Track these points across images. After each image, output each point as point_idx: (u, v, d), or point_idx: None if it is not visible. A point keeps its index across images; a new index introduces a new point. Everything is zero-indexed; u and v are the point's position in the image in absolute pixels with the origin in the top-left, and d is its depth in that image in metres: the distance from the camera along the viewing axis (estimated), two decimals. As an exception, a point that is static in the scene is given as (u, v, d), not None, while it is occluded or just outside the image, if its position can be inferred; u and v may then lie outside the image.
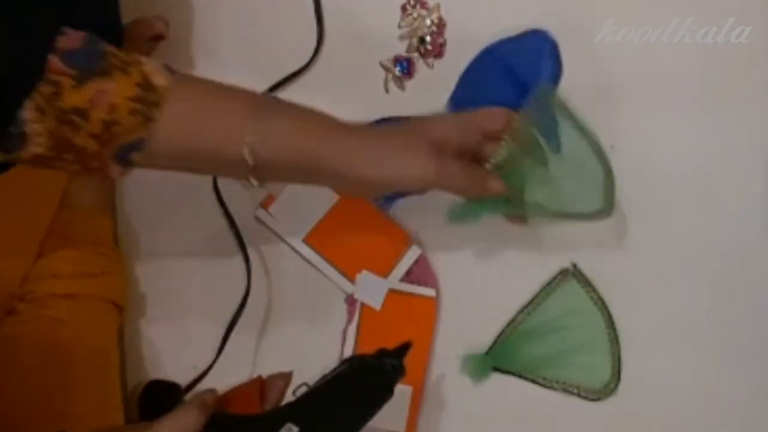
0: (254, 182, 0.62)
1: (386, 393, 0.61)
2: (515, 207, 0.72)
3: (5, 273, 0.73)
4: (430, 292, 0.78)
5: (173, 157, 0.60)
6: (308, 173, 0.64)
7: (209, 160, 0.61)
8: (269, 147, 0.60)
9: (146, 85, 0.56)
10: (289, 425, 0.56)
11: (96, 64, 0.55)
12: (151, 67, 0.57)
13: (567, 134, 0.75)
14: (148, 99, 0.56)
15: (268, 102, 0.62)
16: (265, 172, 0.61)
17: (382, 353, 0.64)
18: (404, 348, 0.64)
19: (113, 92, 0.55)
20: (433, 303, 0.78)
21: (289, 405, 0.58)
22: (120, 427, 0.59)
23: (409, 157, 0.64)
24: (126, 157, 0.57)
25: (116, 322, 0.80)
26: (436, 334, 0.78)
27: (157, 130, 0.57)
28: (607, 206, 0.73)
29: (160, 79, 0.57)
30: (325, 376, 0.61)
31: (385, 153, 0.64)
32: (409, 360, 0.65)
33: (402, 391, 0.76)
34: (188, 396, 0.73)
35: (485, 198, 0.69)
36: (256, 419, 0.57)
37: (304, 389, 0.60)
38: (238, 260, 0.81)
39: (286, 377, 0.60)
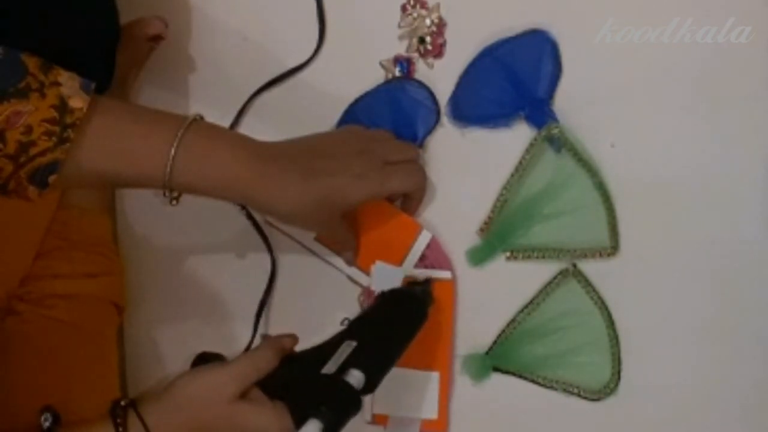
0: (172, 202, 0.64)
1: (422, 314, 0.70)
2: (523, 244, 0.77)
3: (5, 273, 0.73)
4: (446, 274, 0.78)
5: (90, 178, 0.60)
6: (228, 198, 0.66)
7: (125, 181, 0.62)
8: (185, 172, 0.61)
9: (63, 108, 0.56)
10: (347, 341, 0.63)
11: (13, 84, 0.55)
12: (70, 88, 0.57)
13: (570, 169, 0.76)
14: (64, 121, 0.56)
15: (189, 127, 0.62)
16: (182, 191, 0.63)
17: (410, 283, 0.75)
18: (428, 280, 0.75)
19: (29, 113, 0.55)
20: (451, 285, 0.78)
21: (341, 332, 0.66)
22: (199, 368, 0.62)
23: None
24: (42, 179, 0.57)
25: (116, 322, 0.80)
26: (456, 316, 0.78)
27: (74, 152, 0.57)
28: (613, 243, 0.76)
29: (77, 102, 0.57)
30: (364, 309, 0.71)
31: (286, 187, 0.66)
32: (432, 345, 0.76)
33: (430, 377, 0.77)
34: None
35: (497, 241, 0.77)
36: (317, 348, 0.65)
37: (347, 322, 0.69)
38: (245, 259, 0.82)
39: (293, 337, 0.67)
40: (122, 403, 0.60)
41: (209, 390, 0.60)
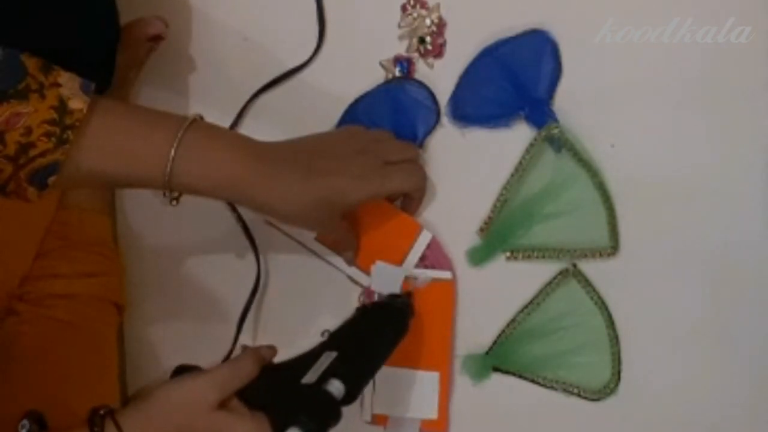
0: (172, 202, 0.63)
1: (402, 326, 0.70)
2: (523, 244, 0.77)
3: (5, 273, 0.73)
4: (446, 274, 0.78)
5: (90, 179, 0.60)
6: (228, 198, 0.66)
7: (125, 182, 0.62)
8: (185, 173, 0.61)
9: (62, 109, 0.56)
10: (327, 352, 0.63)
11: (12, 85, 0.55)
12: (69, 89, 0.57)
13: (570, 169, 0.76)
14: (64, 122, 0.56)
15: (189, 127, 0.62)
16: (182, 192, 0.63)
17: (391, 296, 0.75)
18: (409, 293, 0.75)
19: (29, 115, 0.55)
20: (451, 285, 0.78)
21: (322, 343, 0.66)
22: (178, 377, 0.62)
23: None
24: (42, 180, 0.57)
25: (116, 322, 0.80)
26: (456, 316, 0.78)
27: (73, 153, 0.57)
28: (613, 243, 0.76)
29: (77, 103, 0.57)
30: (344, 320, 0.70)
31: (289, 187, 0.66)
32: (432, 345, 0.76)
33: (430, 377, 0.77)
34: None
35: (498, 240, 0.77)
36: (297, 359, 0.64)
37: (327, 334, 0.69)
38: (245, 259, 0.82)
39: (273, 348, 0.66)
40: (101, 411, 0.59)
41: (189, 398, 0.59)
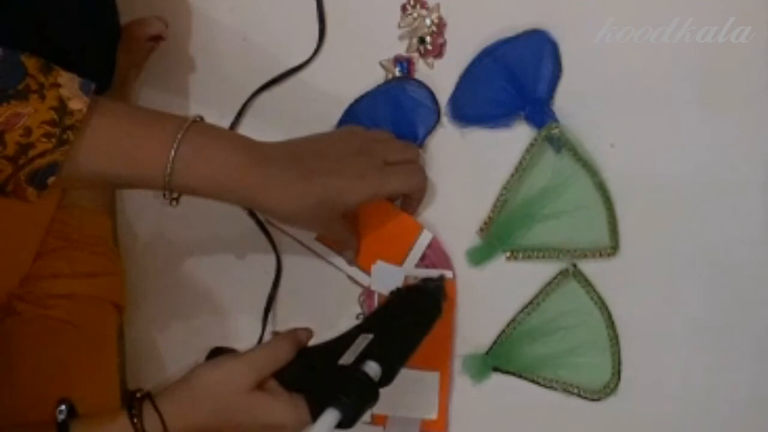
0: (172, 203, 0.64)
1: (436, 309, 0.70)
2: (523, 244, 0.77)
3: (5, 273, 0.73)
4: (447, 274, 0.78)
5: (90, 179, 0.60)
6: (228, 199, 0.65)
7: (125, 182, 0.62)
8: (185, 174, 0.61)
9: (62, 109, 0.56)
10: (363, 335, 0.63)
11: (12, 85, 0.55)
12: (69, 90, 0.57)
13: (570, 169, 0.76)
14: (64, 123, 0.56)
15: (189, 128, 0.62)
16: (181, 193, 0.63)
17: (424, 279, 0.74)
18: (441, 276, 0.74)
19: (28, 115, 0.55)
20: (451, 285, 0.78)
21: (356, 325, 0.66)
22: (216, 359, 0.62)
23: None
24: (41, 180, 0.57)
25: (116, 322, 0.80)
26: (457, 315, 0.78)
27: (73, 154, 0.57)
28: (613, 243, 0.76)
29: (76, 103, 0.57)
30: (379, 304, 0.71)
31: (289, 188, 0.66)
32: (432, 345, 0.73)
33: (430, 377, 0.77)
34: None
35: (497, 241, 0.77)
36: (333, 341, 0.65)
37: (361, 317, 0.71)
38: (245, 260, 0.82)
39: (309, 330, 0.67)
40: (138, 394, 0.60)
41: (226, 380, 0.60)
